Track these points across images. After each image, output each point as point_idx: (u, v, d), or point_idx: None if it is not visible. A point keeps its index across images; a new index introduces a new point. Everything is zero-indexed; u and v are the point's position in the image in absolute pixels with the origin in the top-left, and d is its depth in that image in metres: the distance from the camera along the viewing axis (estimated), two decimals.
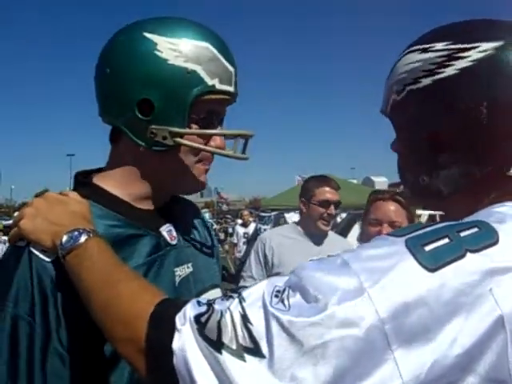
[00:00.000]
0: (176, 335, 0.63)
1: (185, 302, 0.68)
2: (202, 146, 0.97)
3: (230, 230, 19.35)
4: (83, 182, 1.03)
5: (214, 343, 0.60)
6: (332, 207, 2.78)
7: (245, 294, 0.64)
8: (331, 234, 2.99)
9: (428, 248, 0.60)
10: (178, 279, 1.03)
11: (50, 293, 0.86)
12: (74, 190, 1.00)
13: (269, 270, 2.80)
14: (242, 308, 0.62)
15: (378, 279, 0.58)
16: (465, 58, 0.72)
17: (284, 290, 0.61)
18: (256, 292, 0.63)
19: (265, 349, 0.58)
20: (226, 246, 17.26)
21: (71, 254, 0.83)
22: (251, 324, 0.60)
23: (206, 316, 0.63)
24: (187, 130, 0.95)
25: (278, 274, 2.73)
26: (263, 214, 9.54)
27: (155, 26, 0.95)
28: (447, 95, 0.73)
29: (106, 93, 0.99)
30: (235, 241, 12.12)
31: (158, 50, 0.92)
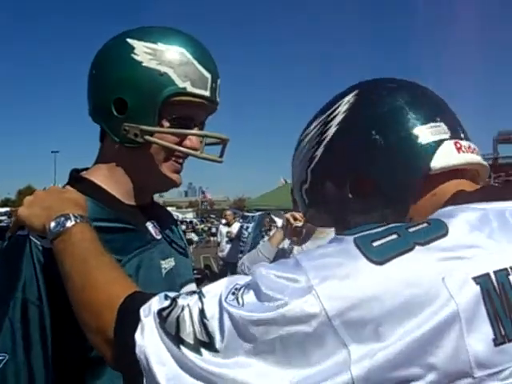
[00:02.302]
0: (139, 327, 0.66)
1: (153, 295, 0.70)
2: (169, 145, 1.01)
3: (214, 230, 19.30)
4: (77, 178, 1.08)
5: (173, 337, 0.63)
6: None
7: (204, 290, 0.67)
8: (330, 233, 2.91)
9: (376, 244, 0.61)
10: (164, 271, 1.08)
11: (52, 277, 0.89)
12: (68, 185, 1.06)
13: None
14: (201, 303, 0.64)
15: (326, 276, 0.59)
16: (336, 115, 0.83)
17: (241, 288, 0.63)
18: (215, 289, 0.66)
19: (218, 344, 0.60)
20: (210, 246, 17.20)
21: (58, 239, 0.86)
22: (207, 319, 0.62)
23: (167, 310, 0.65)
24: (156, 129, 1.00)
25: None
26: (247, 214, 9.54)
27: (139, 32, 1.03)
28: (343, 146, 0.81)
29: (92, 92, 1.06)
30: (218, 240, 12.11)
31: (135, 54, 0.99)
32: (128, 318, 0.69)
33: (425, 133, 0.78)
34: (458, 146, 0.78)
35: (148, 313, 0.67)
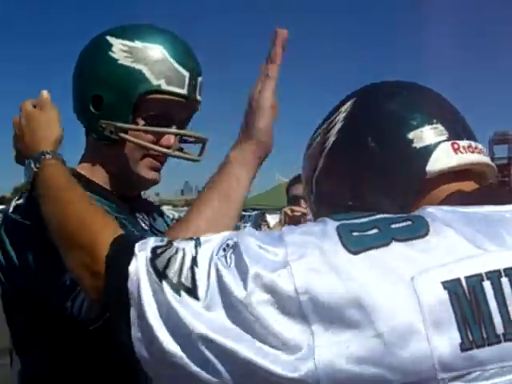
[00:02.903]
0: (133, 259, 0.67)
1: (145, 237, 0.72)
2: (142, 142, 1.01)
3: None
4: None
5: (159, 273, 0.64)
6: (302, 202, 2.72)
7: (202, 239, 0.68)
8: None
9: (355, 234, 0.62)
10: None
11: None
12: None
13: None
14: (196, 251, 0.66)
15: (303, 254, 0.60)
16: (335, 124, 0.83)
17: (230, 246, 0.65)
18: (211, 241, 0.67)
19: (201, 293, 0.62)
20: None
21: (35, 182, 0.93)
22: (197, 267, 0.64)
23: (162, 249, 0.67)
24: (130, 126, 1.00)
25: None
26: (244, 213, 9.57)
27: (119, 30, 1.05)
28: (342, 155, 0.82)
29: (73, 89, 1.09)
30: None
31: (112, 51, 1.01)
32: (123, 249, 0.70)
33: (420, 136, 0.77)
34: (456, 146, 0.76)
35: (143, 248, 0.68)
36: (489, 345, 0.56)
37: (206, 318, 0.61)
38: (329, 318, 0.57)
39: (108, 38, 1.03)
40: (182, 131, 1.07)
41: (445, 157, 0.76)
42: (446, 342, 0.56)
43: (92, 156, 1.08)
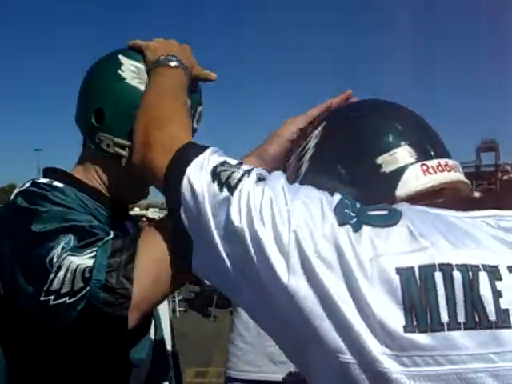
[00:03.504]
0: (200, 156, 0.75)
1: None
2: None
3: None
4: (61, 173, 1.09)
5: (221, 183, 0.71)
6: None
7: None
8: None
9: (346, 211, 0.66)
10: None
11: None
12: (47, 178, 1.04)
13: None
14: (251, 169, 0.74)
15: (304, 201, 0.67)
16: (307, 151, 0.87)
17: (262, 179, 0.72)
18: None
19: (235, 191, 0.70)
20: None
21: (159, 68, 1.02)
22: (239, 168, 0.73)
23: (228, 164, 0.74)
24: (127, 142, 1.03)
25: None
26: None
27: (131, 51, 1.10)
28: (314, 183, 0.81)
29: (79, 98, 1.12)
30: None
31: (122, 70, 1.06)
32: (193, 148, 0.78)
33: (388, 160, 0.78)
34: (425, 168, 0.77)
35: (214, 152, 0.77)
36: (432, 331, 0.58)
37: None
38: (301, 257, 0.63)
39: (120, 56, 1.08)
40: None
41: (413, 180, 0.77)
42: (390, 319, 0.59)
43: (88, 163, 1.11)
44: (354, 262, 0.61)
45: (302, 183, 0.82)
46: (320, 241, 0.63)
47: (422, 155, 0.79)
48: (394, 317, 0.59)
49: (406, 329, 0.58)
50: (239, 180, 0.70)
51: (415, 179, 0.77)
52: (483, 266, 0.62)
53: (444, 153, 0.82)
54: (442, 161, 0.79)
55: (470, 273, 0.61)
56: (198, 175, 0.73)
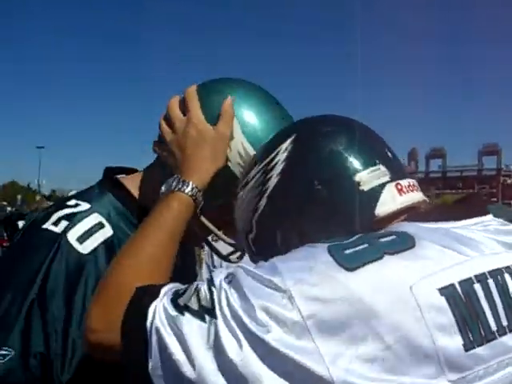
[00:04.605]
0: (155, 302, 0.69)
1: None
2: (209, 225, 1.01)
3: None
4: (115, 182, 1.10)
5: (181, 308, 0.66)
6: None
7: (213, 273, 0.70)
8: None
9: (348, 251, 0.64)
10: None
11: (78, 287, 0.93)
12: (100, 183, 1.10)
13: None
14: (210, 276, 0.69)
15: (300, 278, 0.62)
16: (275, 164, 0.84)
17: (230, 280, 0.67)
18: (220, 273, 0.69)
19: (219, 313, 0.64)
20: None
21: (163, 196, 0.92)
22: (214, 287, 0.66)
23: (183, 289, 0.70)
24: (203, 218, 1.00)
25: None
26: None
27: (253, 131, 1.02)
28: (287, 198, 0.82)
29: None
30: None
31: (230, 148, 0.99)
32: (147, 294, 0.72)
33: (366, 178, 0.79)
34: (399, 187, 0.79)
35: (166, 291, 0.70)
36: (487, 341, 0.61)
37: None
38: (337, 338, 0.59)
39: (235, 120, 0.99)
40: (233, 242, 1.08)
41: (391, 199, 0.78)
42: (450, 343, 0.59)
43: (149, 179, 1.08)
44: (394, 294, 0.61)
45: (272, 197, 0.83)
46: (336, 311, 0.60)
47: (394, 174, 0.81)
48: (452, 339, 0.60)
49: (466, 347, 0.60)
50: (211, 297, 0.66)
51: (393, 199, 0.79)
52: (505, 268, 0.66)
53: (406, 173, 0.85)
54: (410, 181, 0.82)
55: (499, 277, 0.65)
56: (164, 323, 0.66)
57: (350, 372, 0.58)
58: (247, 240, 0.89)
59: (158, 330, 0.65)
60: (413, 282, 0.61)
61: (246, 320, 0.61)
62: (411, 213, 0.78)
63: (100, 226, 0.99)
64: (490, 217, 0.76)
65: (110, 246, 0.98)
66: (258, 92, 1.04)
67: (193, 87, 1.03)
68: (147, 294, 0.71)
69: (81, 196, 1.06)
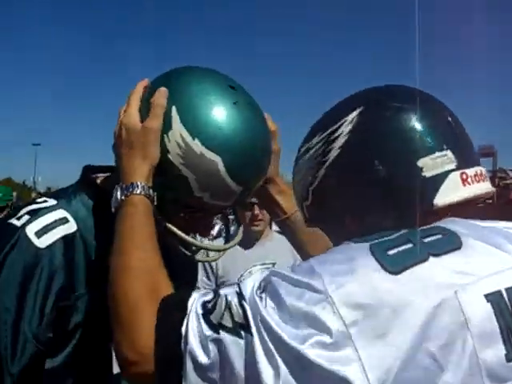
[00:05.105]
0: (185, 320, 0.66)
1: (194, 291, 0.72)
2: (177, 231, 0.99)
3: None
4: (90, 181, 1.09)
5: (215, 326, 0.64)
6: (255, 207, 2.70)
7: (242, 279, 0.69)
8: (275, 235, 2.87)
9: (391, 252, 0.62)
10: None
11: (38, 284, 0.92)
12: (79, 183, 1.09)
13: (217, 279, 2.82)
14: (239, 288, 0.66)
15: (341, 282, 0.59)
16: (338, 136, 0.79)
17: (262, 290, 0.64)
18: (249, 280, 0.67)
19: (254, 329, 0.61)
20: None
21: (120, 207, 0.89)
22: (245, 300, 0.64)
23: (212, 302, 0.66)
24: (167, 221, 0.99)
25: (223, 282, 2.76)
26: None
27: (189, 108, 0.97)
28: (345, 173, 0.80)
29: None
30: None
31: (169, 138, 0.94)
32: (173, 311, 0.69)
33: (429, 164, 0.74)
34: (464, 177, 0.75)
35: (192, 308, 0.67)
36: None
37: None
38: (379, 346, 0.57)
39: (174, 110, 0.93)
40: (209, 246, 1.11)
41: (453, 190, 0.74)
42: (492, 353, 0.58)
43: (117, 177, 1.04)
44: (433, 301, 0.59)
45: (331, 169, 0.80)
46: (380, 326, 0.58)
47: (463, 162, 0.76)
48: (495, 348, 0.58)
49: (508, 357, 0.59)
50: (244, 313, 0.63)
51: (455, 189, 0.74)
52: None
53: (478, 159, 0.80)
54: (478, 169, 0.77)
55: None
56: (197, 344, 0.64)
57: (389, 380, 0.57)
58: (302, 206, 0.89)
59: (192, 353, 0.63)
60: (458, 286, 0.59)
61: (283, 334, 0.59)
62: (467, 208, 0.75)
63: (63, 221, 0.98)
64: None
65: (70, 242, 0.97)
66: (205, 78, 0.98)
67: (142, 83, 1.01)
68: (174, 308, 0.69)
69: (52, 194, 1.08)
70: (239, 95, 0.96)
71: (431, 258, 0.61)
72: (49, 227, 0.96)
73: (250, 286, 0.65)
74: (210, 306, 0.66)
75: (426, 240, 0.64)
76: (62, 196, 1.04)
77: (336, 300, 0.58)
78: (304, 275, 0.62)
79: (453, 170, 0.75)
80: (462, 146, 0.78)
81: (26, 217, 0.97)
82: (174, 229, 0.97)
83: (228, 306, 0.64)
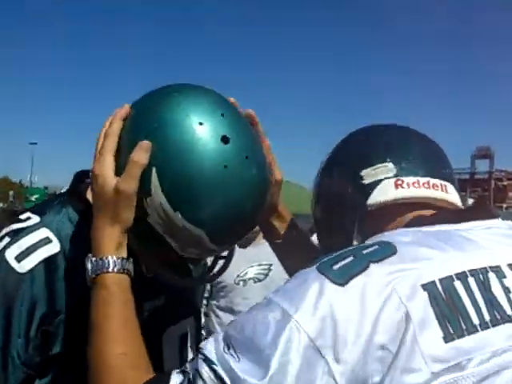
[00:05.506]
0: None
1: (167, 376, 0.71)
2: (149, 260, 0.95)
3: None
4: (76, 196, 1.02)
5: None
6: None
7: (201, 345, 0.70)
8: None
9: (336, 267, 0.68)
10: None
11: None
12: (68, 193, 1.03)
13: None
14: (203, 355, 0.68)
15: (299, 304, 0.65)
16: (331, 151, 1.02)
17: (230, 341, 0.67)
18: (210, 342, 0.69)
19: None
20: None
21: (93, 281, 0.83)
22: (215, 364, 0.66)
23: (185, 382, 0.68)
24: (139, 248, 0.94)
25: (219, 283, 2.78)
26: None
27: (172, 178, 0.88)
28: (323, 177, 1.00)
29: None
30: None
31: (150, 197, 0.87)
32: None
33: (370, 174, 0.88)
34: (399, 182, 0.86)
35: None
36: (468, 334, 0.64)
37: None
38: (340, 349, 0.62)
39: (153, 173, 0.82)
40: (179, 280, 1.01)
41: (383, 192, 0.86)
42: (431, 337, 0.63)
43: None
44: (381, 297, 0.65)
45: (319, 175, 1.00)
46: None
47: (404, 172, 0.87)
48: (432, 331, 0.64)
49: (446, 339, 0.64)
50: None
51: (384, 192, 0.86)
52: (489, 267, 0.70)
53: (433, 173, 0.88)
54: (424, 179, 0.86)
55: (481, 276, 0.69)
56: None
57: (348, 373, 0.62)
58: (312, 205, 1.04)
59: None
60: (397, 282, 0.65)
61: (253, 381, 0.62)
62: (417, 215, 0.83)
63: (46, 241, 0.93)
64: (498, 220, 0.81)
65: (52, 263, 0.92)
66: (193, 127, 0.83)
67: (119, 115, 0.88)
68: None
69: (37, 208, 1.02)
70: (233, 151, 0.83)
71: (371, 265, 0.67)
72: (30, 249, 0.91)
73: (213, 349, 0.68)
74: None
75: (365, 251, 0.71)
76: (48, 210, 0.98)
77: (300, 320, 0.64)
78: (266, 309, 0.67)
79: (388, 178, 0.86)
80: (408, 159, 0.89)
81: (7, 239, 0.93)
82: (153, 270, 0.95)
83: (200, 376, 0.66)
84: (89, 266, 0.83)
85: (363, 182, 0.88)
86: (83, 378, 0.89)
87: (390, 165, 0.87)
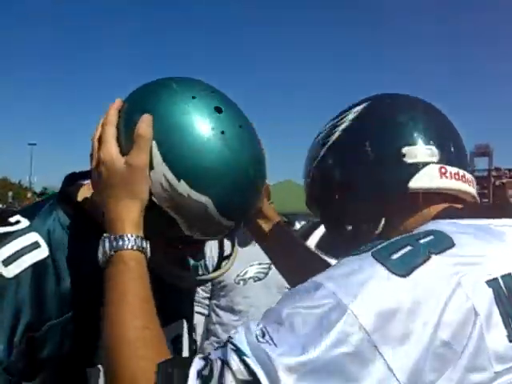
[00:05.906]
0: None
1: (189, 360, 0.67)
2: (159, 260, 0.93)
3: None
4: (68, 197, 1.01)
5: None
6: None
7: (231, 334, 0.66)
8: None
9: (395, 256, 0.64)
10: None
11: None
12: (58, 196, 1.01)
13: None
14: (234, 346, 0.64)
15: (356, 293, 0.61)
16: (343, 122, 0.89)
17: (268, 328, 0.63)
18: (241, 331, 0.66)
19: (263, 379, 0.59)
20: None
21: (109, 261, 0.80)
22: (246, 356, 0.61)
23: (206, 369, 0.64)
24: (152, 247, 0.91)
25: (219, 283, 2.76)
26: None
27: (173, 147, 0.88)
28: (339, 152, 0.89)
29: None
30: None
31: (154, 170, 0.87)
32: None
33: (412, 153, 0.82)
34: (443, 171, 0.81)
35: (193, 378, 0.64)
36: None
37: None
38: (400, 342, 0.59)
39: (154, 146, 0.83)
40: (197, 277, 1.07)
41: (428, 178, 0.81)
42: (496, 335, 0.62)
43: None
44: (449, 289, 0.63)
45: (330, 148, 0.89)
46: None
47: (445, 159, 0.83)
48: (498, 330, 0.63)
49: (509, 338, 0.63)
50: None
51: (430, 178, 0.81)
52: None
53: (465, 166, 0.86)
54: (462, 171, 0.83)
55: None
56: None
57: (412, 371, 0.59)
58: (305, 183, 0.96)
59: None
60: (463, 276, 0.63)
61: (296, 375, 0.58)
62: (451, 207, 0.80)
63: (34, 246, 0.91)
64: None
65: (40, 269, 0.90)
66: (188, 102, 0.85)
67: (114, 106, 0.90)
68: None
69: (28, 210, 1.00)
70: (227, 119, 0.86)
71: (433, 256, 0.64)
72: (18, 254, 0.89)
73: (244, 339, 0.64)
74: (205, 373, 0.63)
75: (422, 241, 0.67)
76: (38, 213, 0.96)
77: (355, 311, 0.60)
78: (313, 297, 0.63)
79: (433, 163, 0.82)
80: (449, 146, 0.85)
81: None
82: (160, 265, 0.92)
83: (229, 367, 0.61)
84: (106, 244, 0.80)
85: (405, 160, 0.82)
86: (75, 381, 0.89)
87: (434, 149, 0.83)
